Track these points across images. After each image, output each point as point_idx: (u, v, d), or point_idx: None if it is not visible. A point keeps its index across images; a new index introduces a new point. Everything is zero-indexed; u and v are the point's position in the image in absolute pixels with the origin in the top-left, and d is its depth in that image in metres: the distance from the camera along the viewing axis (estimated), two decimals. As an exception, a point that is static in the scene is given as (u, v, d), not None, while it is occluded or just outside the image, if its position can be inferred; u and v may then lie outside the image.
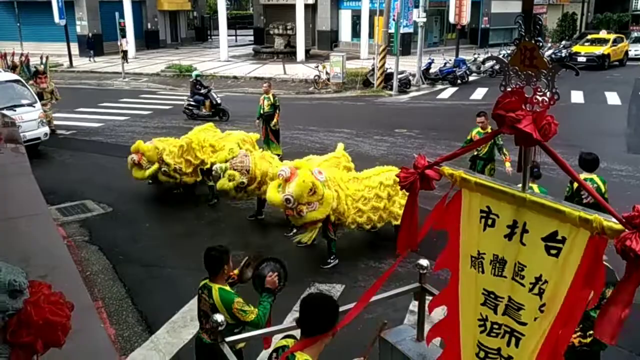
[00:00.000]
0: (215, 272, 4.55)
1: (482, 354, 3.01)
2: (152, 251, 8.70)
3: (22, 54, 17.46)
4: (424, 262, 3.99)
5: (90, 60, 32.72)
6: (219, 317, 3.70)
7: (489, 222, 2.88)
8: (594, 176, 6.95)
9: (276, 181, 7.81)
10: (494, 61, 26.09)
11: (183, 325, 6.62)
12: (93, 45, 33.45)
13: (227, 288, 4.56)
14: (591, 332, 4.36)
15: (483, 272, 2.94)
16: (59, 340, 1.89)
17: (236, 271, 4.90)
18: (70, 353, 2.18)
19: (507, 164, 9.42)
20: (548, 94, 2.48)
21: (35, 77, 15.93)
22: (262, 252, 5.19)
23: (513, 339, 2.82)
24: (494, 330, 2.92)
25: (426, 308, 4.10)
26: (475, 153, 9.74)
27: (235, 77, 27.74)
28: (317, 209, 7.50)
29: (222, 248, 4.63)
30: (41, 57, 17.96)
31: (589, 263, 2.41)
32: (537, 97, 2.51)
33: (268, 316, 4.47)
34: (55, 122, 16.43)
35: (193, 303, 6.78)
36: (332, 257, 8.13)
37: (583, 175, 6.82)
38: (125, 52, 30.78)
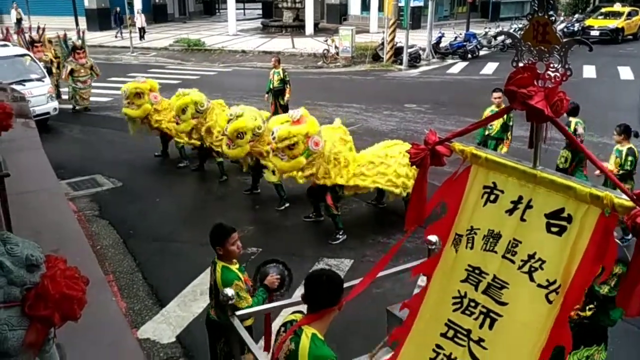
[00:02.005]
0: (216, 251, 4.46)
1: (450, 333, 2.94)
2: (162, 225, 8.77)
3: (41, 28, 16.77)
4: (433, 237, 4.00)
5: (117, 36, 31.64)
6: (230, 291, 3.74)
7: (492, 197, 2.87)
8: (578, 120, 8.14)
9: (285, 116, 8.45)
10: (506, 36, 25.98)
11: (193, 299, 6.70)
12: (120, 20, 31.94)
13: (232, 267, 4.45)
14: (591, 305, 4.38)
15: (472, 247, 2.90)
16: (75, 313, 1.93)
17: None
18: (83, 326, 2.22)
19: (505, 149, 9.29)
20: (561, 69, 2.46)
21: (73, 53, 15.72)
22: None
23: (487, 320, 2.76)
24: (470, 309, 2.86)
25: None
26: (487, 132, 9.56)
27: (243, 52, 27.55)
28: (285, 160, 7.70)
29: (223, 227, 4.46)
30: (78, 32, 17.71)
31: (599, 241, 2.40)
32: (550, 72, 2.49)
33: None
34: (64, 97, 16.39)
35: (203, 277, 6.87)
36: (340, 233, 8.16)
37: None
38: (142, 29, 30.41)
